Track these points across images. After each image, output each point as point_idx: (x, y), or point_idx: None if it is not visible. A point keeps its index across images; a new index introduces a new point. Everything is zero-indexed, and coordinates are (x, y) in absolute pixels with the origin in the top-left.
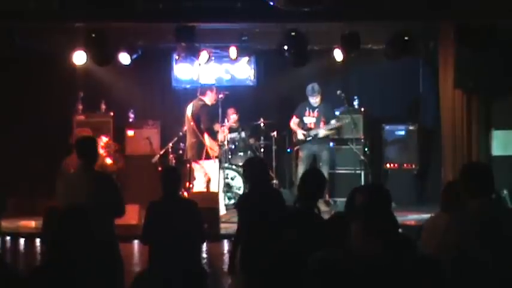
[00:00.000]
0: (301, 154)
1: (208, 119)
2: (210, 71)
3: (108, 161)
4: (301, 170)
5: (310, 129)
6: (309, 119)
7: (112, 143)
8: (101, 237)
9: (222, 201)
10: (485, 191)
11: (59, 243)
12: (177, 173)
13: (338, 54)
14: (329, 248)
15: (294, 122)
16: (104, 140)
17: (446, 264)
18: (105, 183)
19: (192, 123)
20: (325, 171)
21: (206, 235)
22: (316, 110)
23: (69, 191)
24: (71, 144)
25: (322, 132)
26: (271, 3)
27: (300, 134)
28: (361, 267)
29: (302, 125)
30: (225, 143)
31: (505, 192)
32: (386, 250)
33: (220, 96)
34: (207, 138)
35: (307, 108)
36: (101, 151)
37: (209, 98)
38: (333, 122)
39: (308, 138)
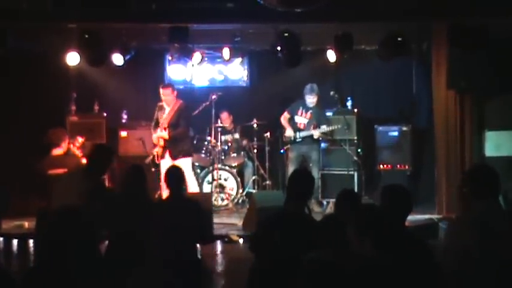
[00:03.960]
0: (291, 155)
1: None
2: (203, 71)
3: (84, 161)
4: (291, 170)
5: (299, 129)
6: (300, 119)
7: (88, 143)
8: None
9: None
10: (492, 192)
11: (52, 245)
12: (181, 172)
13: (331, 55)
14: (322, 249)
15: (284, 117)
16: (79, 140)
17: (449, 266)
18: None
19: None
20: (315, 171)
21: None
22: (310, 111)
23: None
24: (46, 144)
25: (316, 134)
26: (264, 4)
27: (288, 132)
28: (355, 268)
29: (292, 123)
30: (218, 143)
31: None
32: (380, 251)
33: (214, 97)
34: None
35: (301, 108)
36: (77, 152)
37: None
38: (323, 126)
39: (298, 140)
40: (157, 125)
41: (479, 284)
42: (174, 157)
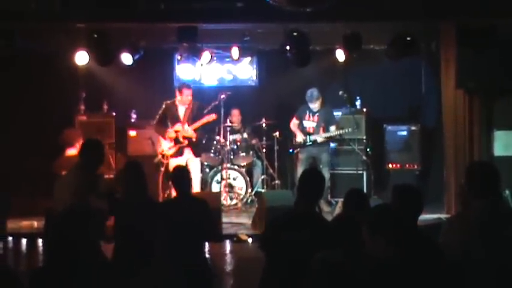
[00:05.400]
0: (301, 156)
1: (160, 118)
2: (212, 71)
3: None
4: (300, 171)
5: (309, 133)
6: (309, 123)
7: None
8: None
9: None
10: (490, 191)
11: (59, 245)
12: (188, 171)
13: (340, 55)
14: (332, 249)
15: (294, 124)
16: None
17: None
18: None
19: None
20: (325, 172)
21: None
22: (317, 114)
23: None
24: (60, 144)
25: (320, 138)
26: (273, 3)
27: (299, 137)
28: (365, 269)
29: (301, 127)
30: (227, 143)
31: (507, 192)
32: (395, 251)
33: (222, 96)
34: (160, 139)
35: (308, 112)
36: None
37: (178, 98)
38: (332, 128)
39: (308, 143)
40: (161, 122)
41: (477, 283)
42: (198, 155)
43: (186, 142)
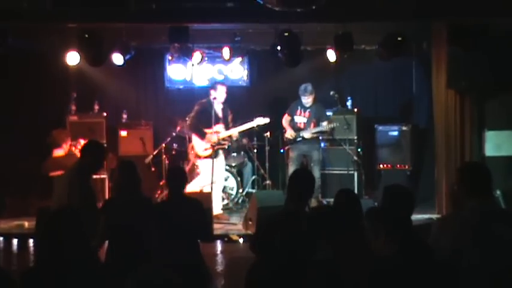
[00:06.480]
0: (292, 154)
1: (197, 117)
2: (203, 71)
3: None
4: (291, 170)
5: (300, 129)
6: (300, 119)
7: None
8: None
9: (219, 201)
10: (482, 191)
11: (51, 244)
12: (183, 172)
13: (331, 55)
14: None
15: (285, 120)
16: (81, 142)
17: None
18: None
19: None
20: (316, 171)
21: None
22: (308, 110)
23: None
24: (48, 144)
25: (307, 134)
26: (264, 3)
27: (288, 133)
28: (360, 268)
29: (292, 123)
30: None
31: (498, 192)
32: (399, 252)
33: (214, 97)
34: (194, 138)
35: (299, 108)
36: (78, 153)
37: (213, 97)
38: (323, 123)
39: (298, 139)
40: (198, 122)
41: (469, 283)
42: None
43: (226, 144)
